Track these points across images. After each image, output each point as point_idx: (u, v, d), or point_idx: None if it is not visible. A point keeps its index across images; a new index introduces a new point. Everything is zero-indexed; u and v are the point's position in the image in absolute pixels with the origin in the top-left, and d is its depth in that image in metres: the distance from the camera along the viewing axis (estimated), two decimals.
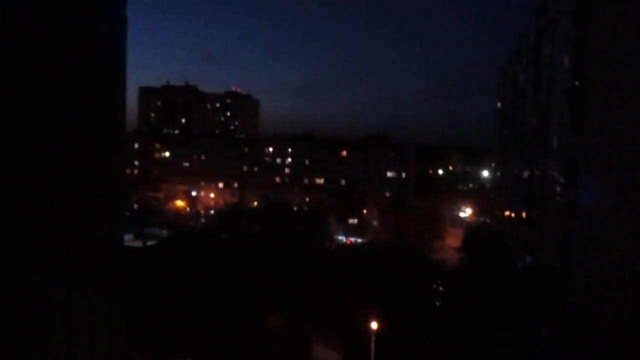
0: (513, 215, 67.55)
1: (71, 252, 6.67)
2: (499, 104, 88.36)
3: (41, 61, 5.83)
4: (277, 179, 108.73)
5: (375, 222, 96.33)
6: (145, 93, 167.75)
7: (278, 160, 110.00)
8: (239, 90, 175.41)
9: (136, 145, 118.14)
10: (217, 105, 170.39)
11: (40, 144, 6.03)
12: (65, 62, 6.29)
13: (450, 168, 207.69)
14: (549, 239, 44.78)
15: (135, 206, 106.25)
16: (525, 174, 59.82)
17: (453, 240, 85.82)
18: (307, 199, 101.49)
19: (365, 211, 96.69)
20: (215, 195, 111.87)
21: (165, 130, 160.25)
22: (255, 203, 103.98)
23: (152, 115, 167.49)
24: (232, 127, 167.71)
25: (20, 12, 5.50)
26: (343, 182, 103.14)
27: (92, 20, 6.58)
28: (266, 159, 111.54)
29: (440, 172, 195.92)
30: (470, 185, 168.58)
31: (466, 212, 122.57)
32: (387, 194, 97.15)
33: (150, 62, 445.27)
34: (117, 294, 8.22)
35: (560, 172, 42.19)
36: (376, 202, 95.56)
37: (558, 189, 42.75)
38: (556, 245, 41.04)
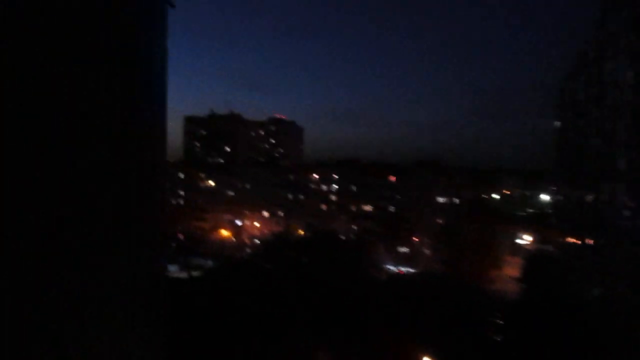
0: (577, 242, 64.39)
1: (108, 284, 6.68)
2: (557, 124, 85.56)
3: (84, 93, 5.96)
4: (323, 207, 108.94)
5: (426, 251, 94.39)
6: (190, 123, 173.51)
7: (324, 187, 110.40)
8: (283, 117, 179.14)
9: (181, 175, 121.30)
10: (261, 132, 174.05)
11: (85, 175, 6.11)
12: (108, 95, 6.43)
13: (506, 192, 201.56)
14: (619, 269, 42.26)
15: (181, 236, 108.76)
16: (589, 198, 57.15)
17: (511, 269, 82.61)
18: (355, 227, 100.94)
19: (415, 239, 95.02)
20: (260, 224, 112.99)
21: (209, 159, 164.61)
22: (301, 232, 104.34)
23: (197, 144, 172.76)
24: (276, 155, 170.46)
25: (63, 44, 5.67)
26: (392, 208, 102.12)
27: (132, 51, 6.74)
28: (311, 186, 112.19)
29: (495, 196, 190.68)
30: (529, 210, 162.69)
31: (525, 239, 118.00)
32: (439, 221, 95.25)
33: (195, 92, 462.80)
34: (159, 327, 8.15)
35: (629, 195, 40.03)
36: (427, 230, 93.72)
37: (627, 213, 40.50)
38: (628, 276, 38.65)
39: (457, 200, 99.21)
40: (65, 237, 5.90)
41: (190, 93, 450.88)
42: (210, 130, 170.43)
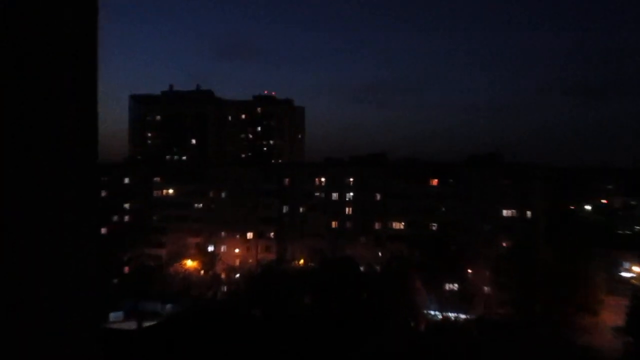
0: None
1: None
2: None
3: None
4: (334, 224, 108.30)
5: (486, 288, 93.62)
6: (140, 104, 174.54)
7: (334, 196, 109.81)
8: (274, 94, 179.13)
9: (126, 180, 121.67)
10: (243, 116, 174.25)
11: None
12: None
13: (603, 201, 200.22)
14: None
15: (127, 270, 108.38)
16: None
17: (611, 315, 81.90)
18: (380, 253, 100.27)
19: (469, 271, 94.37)
20: (241, 251, 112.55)
21: (169, 157, 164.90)
22: (302, 261, 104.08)
23: (150, 135, 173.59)
24: (265, 149, 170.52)
25: None
26: (434, 226, 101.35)
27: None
28: (317, 194, 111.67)
29: (587, 207, 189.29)
30: (638, 228, 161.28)
31: (632, 272, 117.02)
32: (504, 244, 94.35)
33: (151, 63, 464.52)
34: None
35: None
36: (487, 257, 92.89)
37: None
38: None
39: (530, 214, 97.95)
40: None
41: (145, 66, 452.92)
42: (169, 114, 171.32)
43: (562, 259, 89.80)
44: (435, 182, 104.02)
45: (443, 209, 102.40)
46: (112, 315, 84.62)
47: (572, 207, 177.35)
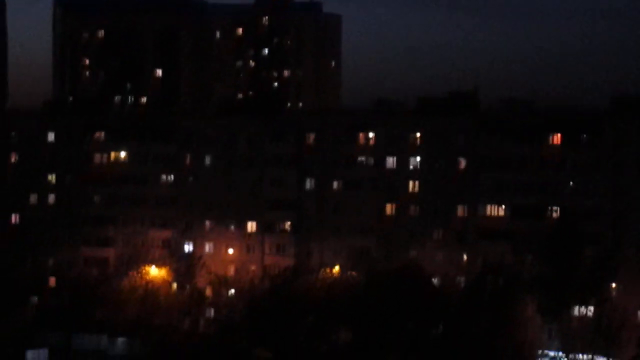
0: None
1: None
2: None
3: None
4: (390, 209, 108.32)
5: None
6: (70, 14, 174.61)
7: (390, 163, 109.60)
8: None
9: (50, 137, 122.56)
10: (240, 32, 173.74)
11: None
12: None
13: None
14: None
15: (52, 282, 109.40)
16: None
17: None
18: (467, 259, 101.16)
19: (614, 286, 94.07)
20: (238, 252, 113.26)
21: (118, 100, 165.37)
22: (336, 270, 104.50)
23: (87, 63, 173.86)
24: (275, 85, 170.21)
25: None
26: (556, 213, 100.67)
27: None
28: (361, 159, 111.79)
29: None
30: None
31: None
32: None
33: None
34: None
35: None
36: None
37: None
38: None
39: None
40: None
41: None
42: (116, 29, 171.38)
43: None
44: (559, 140, 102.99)
45: (573, 185, 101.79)
46: (31, 355, 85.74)
47: None
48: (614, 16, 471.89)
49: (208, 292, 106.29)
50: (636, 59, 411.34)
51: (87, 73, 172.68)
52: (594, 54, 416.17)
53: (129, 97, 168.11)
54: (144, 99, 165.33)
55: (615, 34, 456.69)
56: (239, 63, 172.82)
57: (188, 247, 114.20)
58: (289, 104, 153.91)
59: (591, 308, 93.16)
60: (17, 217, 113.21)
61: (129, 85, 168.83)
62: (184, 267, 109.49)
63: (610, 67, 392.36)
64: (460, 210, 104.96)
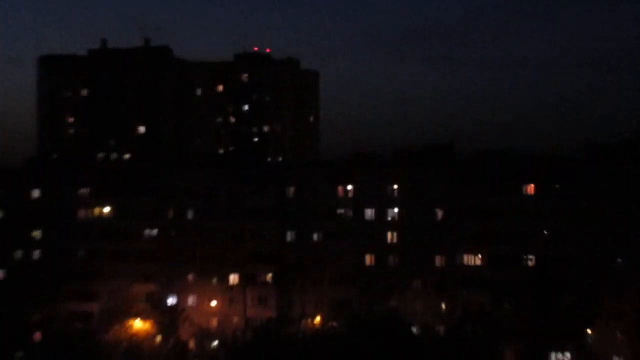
0: None
1: None
2: None
3: None
4: (369, 259, 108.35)
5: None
6: (53, 71, 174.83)
7: (369, 215, 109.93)
8: (267, 51, 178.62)
9: (35, 194, 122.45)
10: (220, 88, 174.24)
11: None
12: None
13: None
14: None
15: (38, 336, 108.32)
16: None
17: None
18: (446, 307, 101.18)
19: (591, 332, 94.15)
20: (220, 304, 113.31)
21: (101, 155, 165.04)
22: (317, 319, 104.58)
23: (71, 121, 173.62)
24: (255, 139, 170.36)
25: None
26: (531, 260, 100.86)
27: None
28: (340, 211, 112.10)
29: None
30: None
31: None
32: None
33: (66, 10, 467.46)
34: None
35: None
36: (620, 310, 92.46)
37: None
38: None
39: None
40: None
41: (65, 14, 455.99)
42: (99, 86, 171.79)
43: None
44: (533, 189, 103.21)
45: (548, 233, 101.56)
46: None
47: None
48: (588, 65, 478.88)
49: (191, 344, 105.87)
50: (610, 107, 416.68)
51: (71, 130, 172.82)
52: (568, 102, 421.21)
53: (113, 153, 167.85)
54: (127, 155, 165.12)
55: (590, 83, 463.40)
56: (219, 119, 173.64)
57: (171, 300, 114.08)
58: (268, 158, 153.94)
59: (568, 354, 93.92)
60: (3, 273, 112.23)
61: (112, 142, 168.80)
62: (167, 320, 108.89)
63: (584, 115, 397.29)
64: (439, 260, 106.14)
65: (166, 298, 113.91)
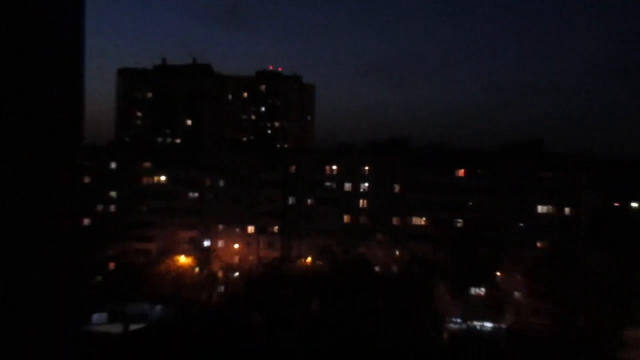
0: None
1: None
2: None
3: None
4: (346, 219, 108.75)
5: (517, 294, 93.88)
6: (128, 80, 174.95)
7: (347, 186, 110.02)
8: (279, 70, 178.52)
9: (113, 165, 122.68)
10: (245, 95, 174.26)
11: None
12: None
13: None
14: None
15: (112, 266, 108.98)
16: None
17: None
18: (399, 253, 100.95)
19: (499, 274, 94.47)
20: (241, 247, 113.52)
21: (159, 140, 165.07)
22: (309, 259, 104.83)
23: (139, 114, 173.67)
24: (269, 132, 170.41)
25: None
26: (460, 223, 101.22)
27: None
28: (327, 184, 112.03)
29: (634, 204, 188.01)
30: None
31: None
32: (540, 245, 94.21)
33: (143, 32, 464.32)
34: None
35: None
36: (520, 259, 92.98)
37: None
38: None
39: (570, 211, 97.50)
40: None
41: (137, 37, 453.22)
42: (159, 91, 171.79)
43: (609, 263, 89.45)
44: (463, 173, 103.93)
45: (472, 204, 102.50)
46: (95, 317, 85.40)
47: (619, 204, 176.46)
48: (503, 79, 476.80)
49: (220, 274, 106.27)
50: (520, 115, 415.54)
51: (139, 121, 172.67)
52: (492, 109, 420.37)
53: (168, 138, 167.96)
54: (177, 140, 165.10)
55: (503, 96, 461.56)
56: (244, 116, 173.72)
57: (206, 243, 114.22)
58: (278, 145, 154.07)
59: (483, 289, 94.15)
60: (88, 220, 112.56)
61: (167, 130, 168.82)
62: (203, 257, 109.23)
63: (503, 120, 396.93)
64: (395, 220, 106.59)
65: (203, 241, 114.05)
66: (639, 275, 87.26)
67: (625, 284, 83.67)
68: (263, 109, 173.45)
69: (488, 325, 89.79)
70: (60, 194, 7.85)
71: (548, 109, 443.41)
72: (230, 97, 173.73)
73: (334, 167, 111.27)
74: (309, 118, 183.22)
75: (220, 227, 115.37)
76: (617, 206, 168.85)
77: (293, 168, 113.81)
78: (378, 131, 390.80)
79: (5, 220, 6.98)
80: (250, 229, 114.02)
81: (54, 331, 7.76)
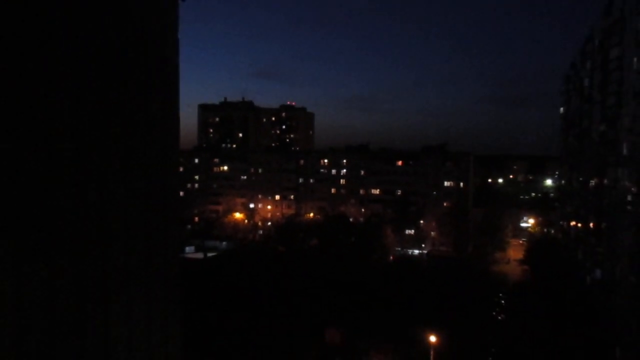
0: (580, 226, 63.90)
1: (130, 263, 6.91)
2: (562, 110, 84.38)
3: (100, 85, 6.13)
4: (333, 190, 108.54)
5: (433, 233, 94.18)
6: (205, 110, 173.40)
7: (333, 172, 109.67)
8: (294, 104, 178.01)
9: (196, 160, 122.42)
10: (273, 119, 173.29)
11: (102, 163, 6.31)
12: (122, 85, 6.59)
13: (512, 177, 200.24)
14: (621, 251, 41.97)
15: (196, 219, 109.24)
16: (593, 183, 56.57)
17: (515, 252, 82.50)
18: (364, 210, 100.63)
19: (422, 222, 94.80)
20: (272, 208, 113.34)
21: (223, 145, 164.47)
22: (312, 215, 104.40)
23: (211, 131, 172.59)
24: (287, 140, 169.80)
25: (77, 37, 5.82)
26: (399, 192, 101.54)
27: (142, 44, 6.85)
28: (321, 170, 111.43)
29: (501, 181, 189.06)
30: (533, 195, 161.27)
31: (529, 223, 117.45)
32: (445, 205, 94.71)
33: (210, 80, 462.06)
34: (174, 304, 8.40)
35: (633, 180, 39.62)
36: (434, 213, 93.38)
37: (630, 198, 40.11)
38: (630, 257, 38.41)
39: (462, 185, 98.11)
40: (87, 222, 6.01)
41: (206, 83, 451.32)
42: (223, 117, 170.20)
43: (484, 215, 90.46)
44: (401, 163, 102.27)
45: (405, 181, 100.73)
46: (187, 249, 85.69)
47: (490, 181, 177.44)
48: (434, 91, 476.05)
49: (259, 224, 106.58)
50: (434, 128, 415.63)
51: (211, 135, 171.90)
52: (419, 126, 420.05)
53: (228, 145, 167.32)
54: (234, 146, 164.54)
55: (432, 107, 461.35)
56: (272, 131, 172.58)
57: (252, 205, 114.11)
58: (293, 148, 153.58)
59: (413, 230, 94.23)
60: (182, 193, 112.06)
61: (228, 140, 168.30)
62: (249, 214, 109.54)
63: (426, 132, 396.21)
64: (362, 191, 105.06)
65: (249, 204, 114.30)
66: (500, 220, 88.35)
67: (493, 225, 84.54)
68: (284, 127, 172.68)
69: (416, 251, 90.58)
70: (172, 177, 8.08)
71: (452, 124, 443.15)
72: (264, 120, 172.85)
73: (326, 161, 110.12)
74: (310, 133, 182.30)
75: (260, 196, 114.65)
76: (489, 182, 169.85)
77: (302, 162, 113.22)
78: (353, 139, 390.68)
79: (149, 195, 7.24)
80: (277, 197, 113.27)
81: (168, 256, 7.99)
